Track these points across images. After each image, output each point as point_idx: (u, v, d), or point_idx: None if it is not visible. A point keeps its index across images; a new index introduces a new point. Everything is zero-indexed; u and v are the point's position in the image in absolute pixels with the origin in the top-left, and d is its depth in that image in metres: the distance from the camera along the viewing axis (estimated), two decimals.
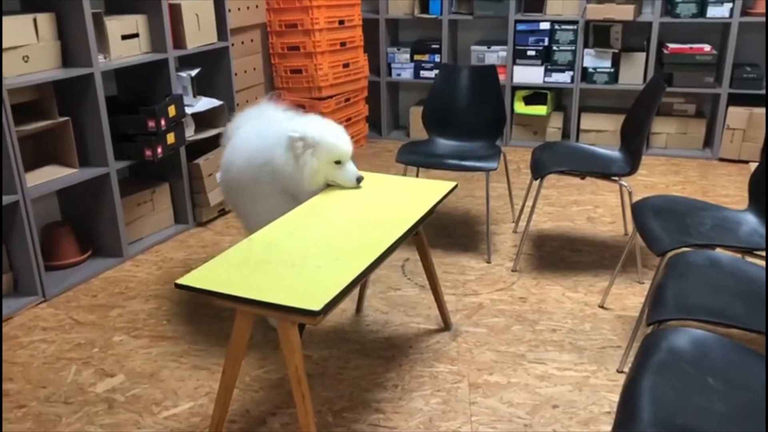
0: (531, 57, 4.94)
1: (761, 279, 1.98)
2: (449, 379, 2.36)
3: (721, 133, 4.68)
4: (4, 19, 2.74)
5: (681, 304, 1.84)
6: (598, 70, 4.84)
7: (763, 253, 2.28)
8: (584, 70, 4.89)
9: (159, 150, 3.28)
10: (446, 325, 2.69)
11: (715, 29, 4.81)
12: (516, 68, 4.99)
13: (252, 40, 4.41)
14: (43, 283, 2.95)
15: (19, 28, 2.81)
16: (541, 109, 4.95)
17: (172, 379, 2.41)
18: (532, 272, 3.15)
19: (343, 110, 4.88)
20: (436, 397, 2.27)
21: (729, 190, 4.13)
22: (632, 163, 3.04)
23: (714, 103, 4.82)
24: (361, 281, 1.85)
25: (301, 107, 4.70)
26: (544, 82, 4.98)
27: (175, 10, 3.45)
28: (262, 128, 2.53)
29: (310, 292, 1.71)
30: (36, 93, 2.98)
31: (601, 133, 4.99)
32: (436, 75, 3.77)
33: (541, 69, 4.95)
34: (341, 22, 4.73)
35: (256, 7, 4.38)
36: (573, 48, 4.85)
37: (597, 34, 4.86)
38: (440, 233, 3.61)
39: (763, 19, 4.44)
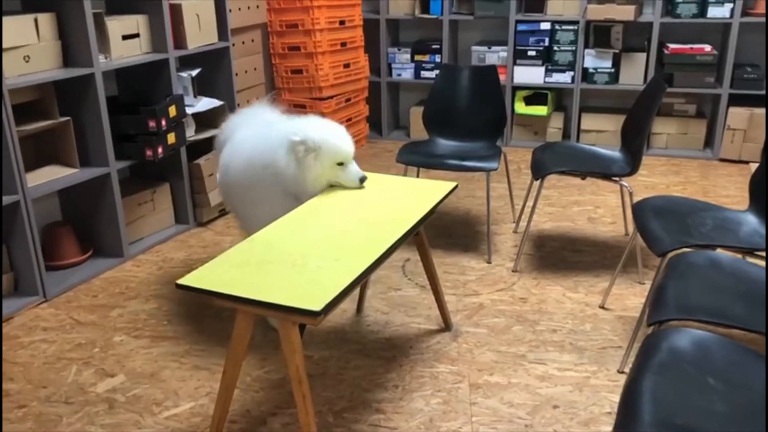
0: (531, 57, 4.94)
1: (762, 279, 1.98)
2: (450, 380, 2.36)
3: (721, 133, 4.68)
4: (5, 19, 2.74)
5: (682, 304, 1.84)
6: (599, 70, 4.84)
7: (764, 254, 2.28)
8: (585, 70, 4.89)
9: (160, 150, 3.29)
10: (447, 326, 2.69)
11: (716, 29, 4.81)
12: (516, 68, 5.00)
13: (253, 40, 4.41)
14: (44, 283, 2.95)
15: (20, 28, 2.81)
16: (541, 110, 4.95)
17: (172, 379, 2.41)
18: (532, 272, 3.15)
19: (343, 110, 4.88)
20: (436, 397, 2.27)
21: (729, 191, 4.13)
22: (633, 164, 3.04)
23: (714, 103, 4.82)
24: (361, 281, 1.85)
25: (302, 107, 4.71)
26: (544, 82, 4.98)
27: (176, 10, 3.45)
28: (261, 130, 2.53)
29: (310, 293, 1.71)
30: (37, 93, 2.98)
31: (601, 134, 4.99)
32: (436, 75, 3.78)
33: (542, 69, 4.95)
34: (342, 23, 4.73)
35: (257, 7, 4.39)
36: (573, 48, 4.85)
37: (597, 34, 4.86)
38: (441, 233, 3.61)
39: (764, 19, 4.44)
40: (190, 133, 3.60)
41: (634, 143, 3.09)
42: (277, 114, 2.81)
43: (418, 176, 3.15)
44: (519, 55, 4.97)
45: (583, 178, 3.21)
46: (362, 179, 2.42)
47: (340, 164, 2.38)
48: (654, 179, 4.37)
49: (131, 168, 3.73)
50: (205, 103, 3.66)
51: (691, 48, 4.62)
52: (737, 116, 4.56)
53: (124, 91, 3.56)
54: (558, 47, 4.88)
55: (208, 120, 3.78)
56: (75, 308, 2.91)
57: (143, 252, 3.45)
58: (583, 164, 3.14)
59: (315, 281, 1.77)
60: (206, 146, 3.74)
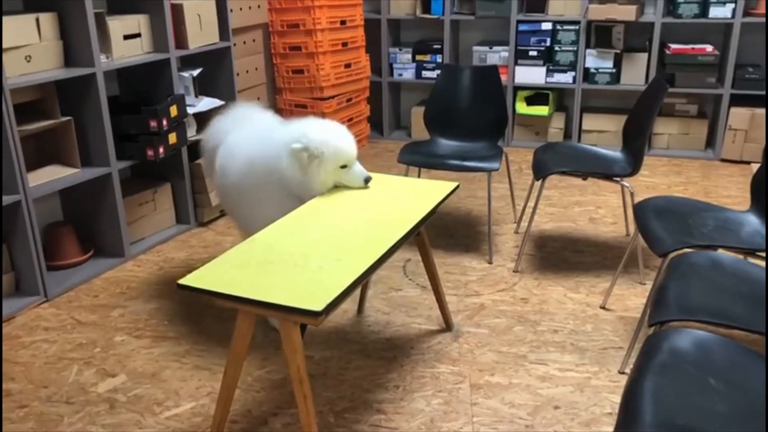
0: (533, 57, 4.94)
1: (763, 280, 1.98)
2: (451, 380, 2.36)
3: (723, 133, 4.67)
4: (7, 18, 2.75)
5: (683, 305, 1.84)
6: (600, 70, 4.83)
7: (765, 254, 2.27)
8: (586, 70, 4.89)
9: (161, 150, 3.29)
10: (448, 326, 2.69)
11: (717, 30, 4.81)
12: (518, 68, 4.99)
13: (254, 40, 4.41)
14: (45, 283, 2.95)
15: (22, 27, 2.81)
16: (542, 110, 4.95)
17: (173, 379, 2.41)
18: (533, 273, 3.15)
19: (344, 110, 4.88)
20: (437, 397, 2.27)
21: (731, 191, 4.12)
22: (634, 164, 3.04)
23: (716, 103, 4.81)
24: (362, 282, 1.85)
25: (303, 107, 4.71)
26: (545, 82, 4.97)
27: (177, 10, 3.46)
28: (260, 134, 2.51)
29: (311, 293, 1.71)
30: (38, 93, 2.99)
31: (602, 134, 4.98)
32: (437, 75, 3.78)
33: (543, 69, 4.95)
34: (343, 23, 4.73)
35: (258, 7, 4.39)
36: (575, 48, 4.85)
37: (599, 34, 4.85)
38: (442, 234, 3.61)
39: (765, 19, 4.43)
40: (192, 133, 3.60)
41: (636, 143, 3.09)
42: (268, 114, 2.80)
43: (419, 176, 3.15)
44: (520, 55, 4.97)
45: (585, 179, 3.21)
46: (367, 180, 2.41)
47: (344, 167, 2.37)
48: (655, 179, 4.37)
49: (132, 168, 3.74)
50: (207, 103, 3.66)
51: (693, 48, 4.62)
52: (738, 116, 4.56)
53: (126, 91, 3.56)
54: (559, 47, 4.88)
55: (209, 120, 3.77)
56: (76, 308, 2.91)
57: (144, 252, 3.45)
58: (584, 164, 3.14)
59: (316, 281, 1.77)
60: None
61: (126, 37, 3.24)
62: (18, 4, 3.09)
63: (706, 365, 1.52)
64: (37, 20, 2.87)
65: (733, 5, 4.45)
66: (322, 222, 2.15)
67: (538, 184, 3.19)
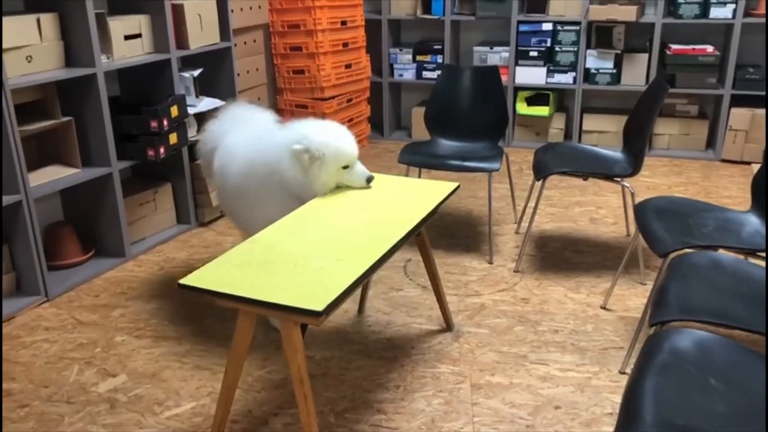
0: (533, 58, 4.94)
1: (763, 280, 1.98)
2: (451, 380, 2.36)
3: (723, 134, 4.67)
4: (8, 19, 2.75)
5: (683, 305, 1.84)
6: (601, 71, 4.84)
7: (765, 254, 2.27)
8: (587, 71, 4.89)
9: (161, 150, 3.29)
10: (448, 326, 2.69)
11: (718, 30, 4.81)
12: (518, 69, 5.00)
13: (255, 41, 4.41)
14: (46, 282, 2.95)
15: (23, 28, 2.81)
16: (543, 110, 4.95)
17: (174, 379, 2.41)
18: (534, 273, 3.15)
19: (345, 111, 4.88)
20: (438, 397, 2.28)
21: (731, 192, 4.13)
22: (635, 164, 3.04)
23: (716, 104, 4.81)
24: (363, 282, 1.85)
25: (304, 107, 4.71)
26: (546, 82, 4.98)
27: (178, 11, 3.46)
28: (260, 136, 2.51)
29: (312, 293, 1.71)
30: (39, 93, 2.99)
31: (603, 134, 4.98)
32: (438, 76, 3.78)
33: (544, 70, 4.95)
34: (344, 23, 4.73)
35: (259, 7, 4.39)
36: (575, 49, 4.85)
37: (599, 34, 4.85)
38: (442, 234, 3.61)
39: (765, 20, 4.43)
40: (192, 134, 3.60)
41: (636, 144, 3.09)
42: (264, 113, 2.80)
43: (419, 177, 3.14)
44: (521, 56, 4.97)
45: (585, 179, 3.21)
46: (369, 179, 2.41)
47: (346, 167, 2.37)
48: (656, 180, 4.37)
49: (133, 168, 3.74)
50: (207, 104, 3.66)
51: (693, 49, 4.62)
52: (739, 117, 4.56)
53: (126, 91, 3.57)
54: (560, 48, 4.88)
55: (209, 120, 3.78)
56: (77, 308, 2.91)
57: (145, 252, 3.45)
58: (584, 165, 3.14)
59: (317, 281, 1.77)
60: None
61: (127, 38, 3.24)
62: (19, 4, 3.09)
63: (707, 365, 1.53)
64: (38, 20, 2.87)
65: (733, 6, 4.45)
66: (323, 222, 2.15)
67: (538, 184, 3.19)
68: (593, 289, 2.99)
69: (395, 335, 2.66)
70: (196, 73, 3.65)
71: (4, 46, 2.72)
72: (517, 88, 5.06)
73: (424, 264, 2.57)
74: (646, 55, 4.75)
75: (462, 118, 3.68)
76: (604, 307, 2.83)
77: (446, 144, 3.62)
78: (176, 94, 3.42)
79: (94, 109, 3.11)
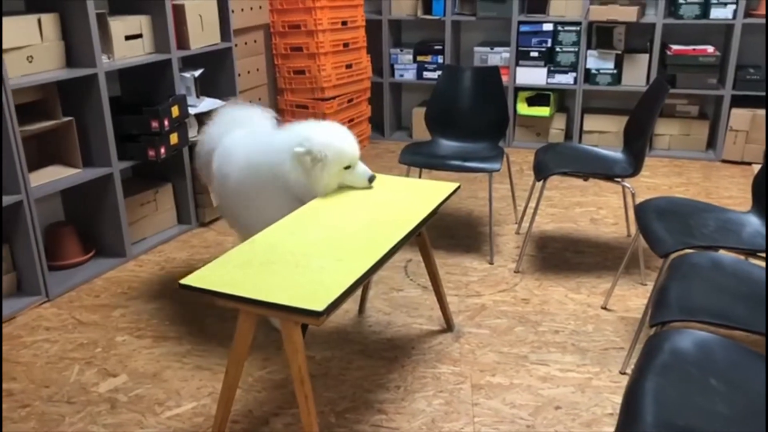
0: (534, 58, 4.94)
1: (764, 281, 1.98)
2: (452, 380, 2.36)
3: (724, 134, 4.67)
4: (9, 19, 2.75)
5: (684, 305, 1.84)
6: (601, 71, 4.84)
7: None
8: (587, 71, 4.89)
9: (162, 150, 3.29)
10: (449, 326, 2.69)
11: (719, 30, 4.81)
12: (519, 69, 5.00)
13: (255, 41, 4.42)
14: (47, 282, 2.95)
15: (24, 28, 2.82)
16: (544, 111, 4.95)
17: (174, 379, 2.41)
18: (534, 273, 3.15)
19: (346, 111, 4.89)
20: (438, 398, 2.28)
21: (732, 192, 4.13)
22: (635, 165, 3.04)
23: (717, 104, 4.81)
24: (364, 282, 1.85)
25: (304, 108, 4.71)
26: (547, 83, 4.98)
27: (179, 11, 3.46)
28: (259, 138, 2.51)
29: (313, 293, 1.72)
30: (40, 93, 2.99)
31: (604, 135, 4.98)
32: (439, 76, 3.78)
33: (544, 70, 4.95)
34: (344, 23, 4.73)
35: (260, 7, 4.39)
36: (576, 49, 4.85)
37: (600, 35, 4.85)
38: (443, 234, 3.61)
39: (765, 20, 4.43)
40: (193, 134, 3.61)
41: (637, 144, 3.09)
42: (260, 113, 2.80)
43: (420, 177, 3.15)
44: (521, 56, 4.97)
45: (586, 180, 3.21)
46: (371, 179, 2.41)
47: (348, 167, 2.37)
48: (656, 180, 4.37)
49: (134, 168, 3.74)
50: (208, 104, 3.66)
51: (694, 49, 4.62)
52: (740, 117, 4.56)
53: (127, 92, 3.57)
54: (560, 48, 4.88)
55: (207, 122, 3.78)
56: (77, 308, 2.92)
57: (146, 252, 3.45)
58: (585, 165, 3.14)
59: (317, 281, 1.77)
60: None
61: (127, 38, 3.24)
62: (20, 4, 3.09)
63: (708, 366, 1.53)
64: (39, 21, 2.87)
65: (734, 6, 4.45)
66: (324, 222, 2.15)
67: (539, 184, 3.19)
68: (594, 289, 2.99)
69: (396, 335, 2.66)
70: (197, 73, 3.65)
71: (5, 46, 2.72)
72: (518, 89, 5.06)
73: (425, 264, 2.57)
74: (646, 56, 4.75)
75: (463, 119, 3.69)
76: (604, 308, 2.83)
77: (447, 144, 3.62)
78: (177, 95, 3.42)
79: (95, 110, 3.11)
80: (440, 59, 5.18)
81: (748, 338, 2.47)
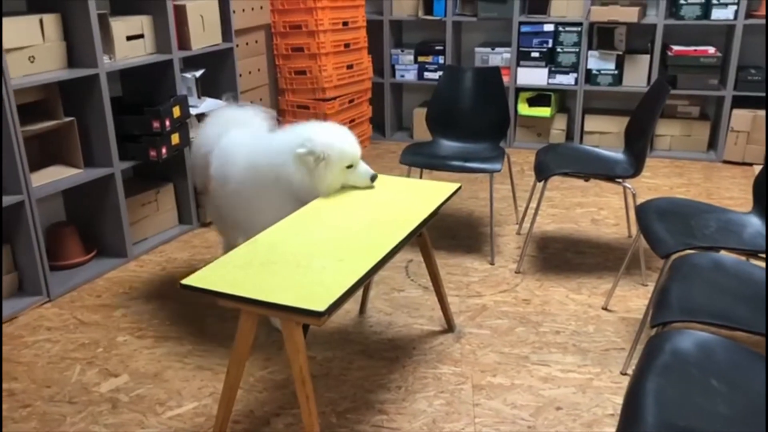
0: (535, 59, 4.94)
1: (765, 281, 1.98)
2: (453, 381, 2.37)
3: (725, 135, 4.67)
4: (11, 19, 2.75)
5: (685, 306, 1.84)
6: (602, 71, 4.84)
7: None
8: (588, 71, 4.89)
9: (163, 150, 3.29)
10: (450, 327, 2.69)
11: (720, 31, 4.81)
12: (520, 70, 5.00)
13: (256, 41, 4.42)
14: (48, 283, 2.96)
15: (26, 28, 2.82)
16: (544, 111, 4.95)
17: (176, 379, 2.41)
18: (535, 274, 3.15)
19: (346, 111, 4.89)
20: (439, 398, 2.28)
21: (733, 193, 4.12)
22: (636, 165, 3.04)
23: (718, 105, 4.81)
24: (365, 282, 1.86)
25: (305, 108, 4.71)
26: (548, 83, 4.98)
27: (180, 11, 3.46)
28: (259, 140, 2.52)
29: (314, 293, 1.72)
30: (42, 93, 2.99)
31: (604, 135, 4.98)
32: (440, 76, 3.78)
33: (545, 71, 4.95)
34: (345, 24, 4.73)
35: (261, 8, 4.39)
36: (577, 50, 4.85)
37: (601, 35, 4.86)
38: (444, 235, 3.61)
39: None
40: (194, 134, 3.60)
41: (638, 145, 3.09)
42: (256, 113, 2.81)
43: (421, 177, 3.15)
44: (522, 57, 4.97)
45: (587, 180, 3.21)
46: (373, 178, 2.42)
47: (350, 166, 2.38)
48: (657, 181, 4.37)
49: (135, 168, 3.74)
50: (209, 104, 3.67)
51: (695, 50, 4.62)
52: (741, 118, 4.56)
53: (129, 92, 3.57)
54: (561, 49, 4.88)
55: (202, 123, 3.78)
56: (79, 308, 2.92)
57: (147, 252, 3.46)
58: (586, 166, 3.14)
59: (319, 282, 1.77)
60: None
61: (129, 38, 3.24)
62: (21, 4, 3.09)
63: (709, 367, 1.53)
64: (41, 21, 2.88)
65: (735, 7, 4.45)
66: (325, 223, 2.15)
67: (540, 185, 3.19)
68: (595, 290, 2.99)
69: (397, 336, 2.66)
70: (198, 73, 3.65)
71: (7, 46, 2.73)
72: (519, 89, 5.06)
73: (426, 265, 2.57)
74: (647, 56, 4.75)
75: (463, 119, 3.69)
76: (605, 308, 2.83)
77: (448, 145, 3.62)
78: (178, 95, 3.42)
79: (97, 110, 3.12)
80: (441, 60, 5.18)
81: (749, 339, 2.47)
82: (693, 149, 4.88)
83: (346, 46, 4.77)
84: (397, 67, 5.30)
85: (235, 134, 2.67)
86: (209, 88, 3.91)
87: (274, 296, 1.71)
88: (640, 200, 2.84)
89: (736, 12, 4.46)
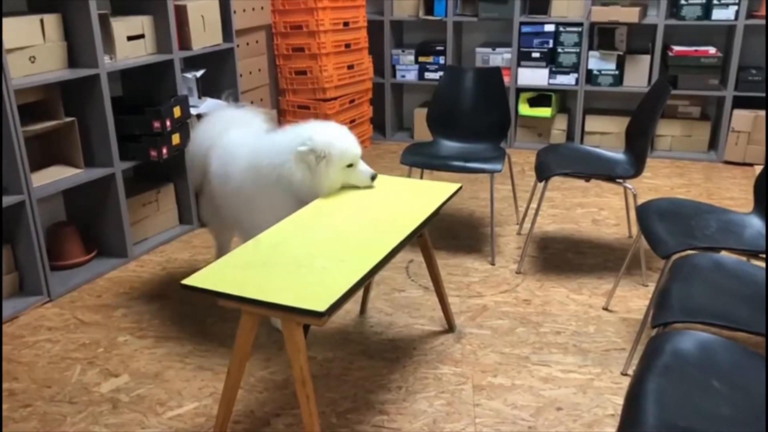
0: (536, 59, 4.94)
1: (765, 282, 1.98)
2: (453, 381, 2.36)
3: (725, 135, 4.67)
4: (12, 19, 2.76)
5: (686, 306, 1.84)
6: (603, 72, 4.83)
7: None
8: (589, 72, 4.89)
9: (164, 150, 3.29)
10: (450, 327, 2.69)
11: (720, 32, 4.81)
12: (521, 70, 5.00)
13: (257, 42, 4.42)
14: (49, 283, 2.96)
15: (26, 28, 2.82)
16: (545, 111, 4.95)
17: (176, 379, 2.41)
18: (536, 274, 3.15)
19: (347, 112, 4.89)
20: (440, 398, 2.28)
21: (734, 193, 4.12)
22: (637, 166, 3.04)
23: (719, 105, 4.81)
24: (365, 282, 1.86)
25: (306, 108, 4.71)
26: (548, 84, 4.98)
27: (181, 12, 3.46)
28: (260, 140, 2.52)
29: (315, 293, 1.72)
30: (42, 93, 2.99)
31: (605, 136, 4.98)
32: (440, 77, 3.78)
33: (546, 71, 4.95)
34: (346, 24, 4.73)
35: (262, 8, 4.40)
36: (578, 50, 4.85)
37: (602, 36, 4.85)
38: (444, 235, 3.61)
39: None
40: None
41: (638, 145, 3.09)
42: (258, 116, 2.81)
43: (421, 178, 3.15)
44: (523, 57, 4.97)
45: (587, 180, 3.21)
46: (373, 177, 2.43)
47: (350, 165, 2.39)
48: (658, 181, 4.36)
49: (135, 168, 3.74)
50: (210, 104, 3.67)
51: (696, 50, 4.62)
52: (741, 119, 4.56)
53: (129, 92, 3.57)
54: (562, 49, 4.88)
55: (199, 122, 3.78)
56: (79, 308, 2.92)
57: (147, 252, 3.46)
58: (587, 166, 3.14)
59: (319, 282, 1.77)
60: None
61: (130, 38, 3.24)
62: (22, 5, 3.09)
63: (709, 367, 1.53)
64: (42, 21, 2.88)
65: (736, 7, 4.45)
66: (326, 223, 2.15)
67: (540, 185, 3.19)
68: (595, 290, 2.99)
69: (397, 336, 2.66)
70: (199, 73, 3.65)
71: (8, 46, 2.73)
72: (520, 90, 5.06)
73: (427, 265, 2.57)
74: (648, 57, 4.75)
75: (464, 120, 3.69)
76: (606, 309, 2.83)
77: (448, 145, 3.62)
78: (179, 95, 3.42)
79: (97, 110, 3.12)
80: (442, 60, 5.18)
81: (749, 339, 2.47)
82: (694, 149, 4.88)
83: (347, 46, 4.77)
84: (397, 67, 5.30)
85: (235, 134, 2.67)
86: (210, 88, 3.91)
87: (274, 296, 1.71)
88: (640, 200, 2.83)
89: (737, 12, 4.45)
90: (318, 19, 4.49)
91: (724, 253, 2.17)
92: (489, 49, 5.05)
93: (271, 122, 2.82)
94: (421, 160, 3.34)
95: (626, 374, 2.39)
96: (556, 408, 2.22)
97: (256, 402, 2.28)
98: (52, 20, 2.92)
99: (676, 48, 4.67)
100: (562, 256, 3.33)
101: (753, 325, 1.78)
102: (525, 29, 4.90)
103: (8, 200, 2.75)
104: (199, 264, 3.30)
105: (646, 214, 2.54)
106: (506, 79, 4.91)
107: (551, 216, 3.83)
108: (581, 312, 2.81)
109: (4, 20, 2.72)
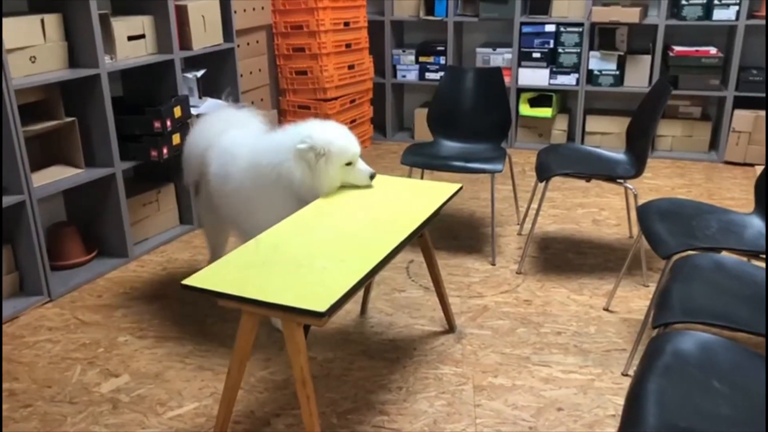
0: (536, 59, 4.94)
1: (766, 282, 1.98)
2: (454, 381, 2.36)
3: (726, 136, 4.67)
4: (12, 19, 2.76)
5: (686, 307, 1.84)
6: (604, 72, 4.83)
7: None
8: (589, 72, 4.88)
9: (164, 151, 3.29)
10: (451, 327, 2.69)
11: (721, 32, 4.80)
12: (521, 70, 4.99)
13: (258, 42, 4.42)
14: (49, 283, 2.96)
15: (27, 28, 2.82)
16: (546, 112, 4.95)
17: (176, 379, 2.41)
18: (536, 275, 3.14)
19: (348, 112, 4.89)
20: (440, 399, 2.27)
21: (734, 193, 4.12)
22: (637, 166, 3.04)
23: (720, 106, 4.81)
24: (366, 282, 1.86)
25: (306, 108, 4.71)
26: (549, 84, 4.97)
27: (182, 12, 3.46)
28: (261, 138, 2.52)
29: (315, 293, 1.72)
30: (43, 93, 2.99)
31: (606, 136, 4.98)
32: (441, 77, 3.78)
33: (547, 71, 4.94)
34: (346, 24, 4.73)
35: (262, 8, 4.40)
36: (578, 50, 4.85)
37: (602, 36, 4.85)
38: (445, 235, 3.61)
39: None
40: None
41: (639, 145, 3.09)
42: (256, 116, 2.81)
43: (422, 178, 3.15)
44: (524, 57, 4.97)
45: (588, 181, 3.21)
46: (372, 176, 2.43)
47: (349, 164, 2.39)
48: (658, 182, 4.36)
49: (136, 168, 3.74)
50: (210, 104, 3.67)
51: (696, 50, 4.61)
52: (742, 119, 4.55)
53: (130, 92, 3.57)
54: (563, 49, 4.88)
55: (197, 122, 3.78)
56: (79, 308, 2.92)
57: (148, 252, 3.45)
58: (587, 166, 3.13)
59: (320, 282, 1.77)
60: None
61: (130, 38, 3.24)
62: (23, 5, 3.10)
63: (710, 368, 1.52)
64: (42, 21, 2.88)
65: (737, 7, 4.45)
66: (326, 223, 2.15)
67: (541, 185, 3.19)
68: (596, 290, 2.99)
69: (398, 336, 2.66)
70: (200, 73, 3.65)
71: (9, 46, 2.73)
72: (520, 90, 5.06)
73: (427, 265, 2.57)
74: (649, 57, 4.74)
75: (465, 120, 3.68)
76: (606, 309, 2.83)
77: (449, 145, 3.62)
78: (179, 95, 3.42)
79: (98, 110, 3.12)
80: (442, 60, 5.18)
81: (750, 340, 2.46)
82: (694, 150, 4.88)
83: (348, 46, 4.77)
84: (398, 67, 5.30)
85: (235, 134, 2.67)
86: (210, 88, 3.91)
87: (275, 297, 1.71)
88: (641, 201, 2.83)
89: (738, 12, 4.45)
90: (318, 19, 4.49)
91: (724, 254, 2.17)
92: (489, 50, 5.05)
93: (268, 122, 2.82)
94: (422, 161, 3.34)
95: (627, 375, 2.39)
96: (557, 408, 2.22)
97: (256, 402, 2.28)
98: (52, 20, 2.92)
99: (677, 48, 4.67)
100: (562, 257, 3.33)
101: (753, 326, 1.77)
102: (525, 29, 4.90)
103: (8, 200, 2.75)
104: (200, 264, 3.30)
105: (647, 215, 2.54)
106: (507, 80, 4.91)
107: (552, 216, 3.83)
108: (582, 312, 2.81)
109: (5, 20, 2.72)
